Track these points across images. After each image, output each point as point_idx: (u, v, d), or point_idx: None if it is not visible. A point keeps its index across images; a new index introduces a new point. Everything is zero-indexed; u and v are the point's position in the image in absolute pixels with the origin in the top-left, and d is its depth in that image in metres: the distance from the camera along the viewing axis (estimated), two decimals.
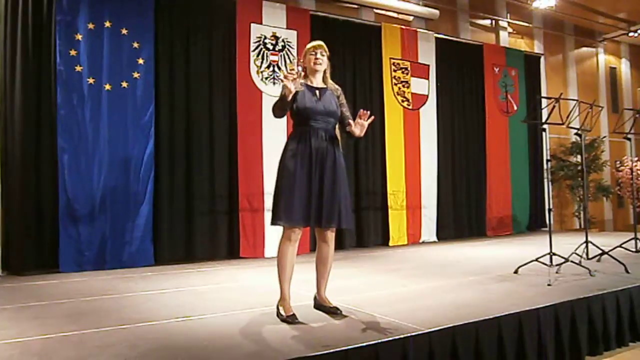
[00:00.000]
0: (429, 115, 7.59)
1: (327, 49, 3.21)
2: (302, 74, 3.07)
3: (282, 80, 2.95)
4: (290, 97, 2.92)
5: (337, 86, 3.29)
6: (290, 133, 3.13)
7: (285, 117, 3.22)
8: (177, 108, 5.71)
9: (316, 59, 3.15)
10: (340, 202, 2.99)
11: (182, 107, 5.74)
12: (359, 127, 3.01)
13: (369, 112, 3.01)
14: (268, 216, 6.10)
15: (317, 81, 3.18)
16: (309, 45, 3.24)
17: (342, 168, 3.06)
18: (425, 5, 8.14)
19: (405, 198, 7.21)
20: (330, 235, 3.09)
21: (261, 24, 6.24)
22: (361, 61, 7.08)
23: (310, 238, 5.62)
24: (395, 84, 7.32)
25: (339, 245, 6.44)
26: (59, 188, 4.98)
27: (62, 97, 5.03)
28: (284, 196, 2.92)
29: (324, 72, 3.22)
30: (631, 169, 7.25)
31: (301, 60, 3.24)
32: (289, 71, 2.96)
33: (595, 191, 9.52)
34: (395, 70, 7.33)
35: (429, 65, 7.67)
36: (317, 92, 3.12)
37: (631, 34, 10.45)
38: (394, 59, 7.34)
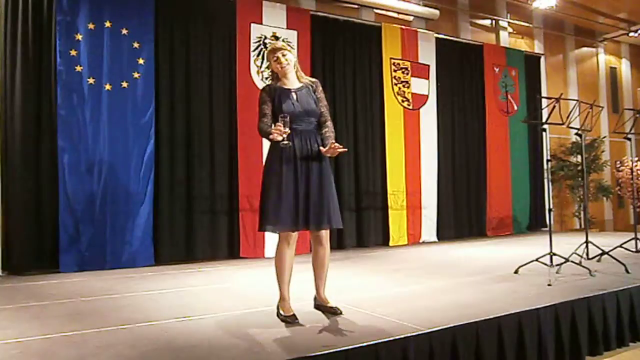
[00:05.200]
0: (429, 115, 7.58)
1: (287, 47, 3.14)
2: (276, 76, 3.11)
3: (272, 133, 2.80)
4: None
5: (313, 79, 3.24)
6: None
7: None
8: (177, 108, 5.71)
9: (279, 63, 3.10)
10: (329, 202, 2.98)
11: (182, 107, 5.74)
12: (330, 152, 2.95)
13: (345, 149, 2.97)
14: None
15: (290, 81, 3.12)
16: (269, 50, 3.19)
17: (327, 168, 3.05)
18: (426, 5, 8.14)
19: (406, 198, 7.21)
20: (325, 237, 3.07)
21: (261, 24, 6.24)
22: (361, 61, 7.08)
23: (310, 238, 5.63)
24: (396, 84, 7.32)
25: (339, 245, 6.44)
26: (59, 188, 4.98)
27: (62, 97, 5.03)
28: (272, 201, 2.89)
29: (296, 68, 3.15)
30: (631, 169, 7.25)
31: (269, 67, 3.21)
32: (277, 128, 2.79)
33: (595, 191, 9.51)
34: (395, 70, 7.33)
35: (429, 65, 7.67)
36: (294, 94, 3.06)
37: (631, 34, 10.43)
38: (394, 59, 7.34)
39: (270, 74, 3.26)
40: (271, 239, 5.81)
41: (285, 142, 2.85)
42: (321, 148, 2.99)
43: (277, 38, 6.30)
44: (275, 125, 2.83)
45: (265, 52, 3.27)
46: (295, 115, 2.96)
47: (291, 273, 3.00)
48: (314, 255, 3.11)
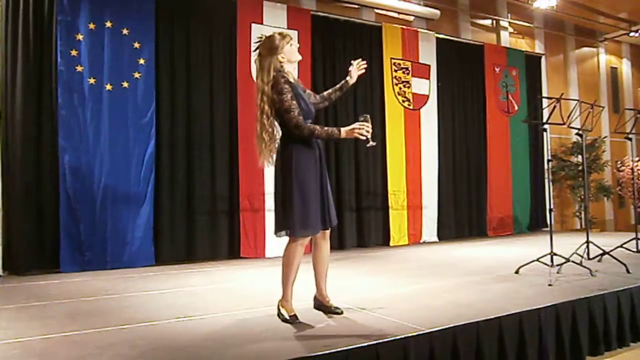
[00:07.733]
0: (429, 115, 7.58)
1: None
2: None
3: (361, 130, 2.76)
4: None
5: None
6: (293, 136, 2.84)
7: None
8: (177, 108, 5.71)
9: (299, 48, 3.05)
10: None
11: (182, 107, 5.74)
12: (357, 71, 3.13)
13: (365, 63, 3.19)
14: (269, 216, 6.04)
15: (291, 75, 2.97)
16: (278, 36, 2.94)
17: None
18: (426, 5, 8.13)
19: (406, 198, 7.20)
20: (328, 233, 3.09)
21: (262, 24, 6.24)
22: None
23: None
24: (396, 84, 7.32)
25: (340, 245, 6.45)
26: (59, 188, 4.98)
27: (63, 97, 5.03)
28: (313, 205, 2.84)
29: None
30: (632, 169, 7.24)
31: (282, 56, 2.91)
32: (364, 124, 2.79)
33: (596, 191, 9.50)
34: (396, 71, 7.33)
35: (429, 65, 7.67)
36: (305, 90, 3.03)
37: (632, 34, 10.42)
38: (394, 59, 7.34)
39: (280, 61, 2.90)
40: (271, 239, 5.81)
41: (374, 142, 2.81)
42: (348, 78, 3.19)
43: None
44: (359, 123, 2.78)
45: (277, 37, 2.95)
46: (314, 111, 2.97)
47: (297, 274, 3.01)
48: (318, 252, 3.08)
